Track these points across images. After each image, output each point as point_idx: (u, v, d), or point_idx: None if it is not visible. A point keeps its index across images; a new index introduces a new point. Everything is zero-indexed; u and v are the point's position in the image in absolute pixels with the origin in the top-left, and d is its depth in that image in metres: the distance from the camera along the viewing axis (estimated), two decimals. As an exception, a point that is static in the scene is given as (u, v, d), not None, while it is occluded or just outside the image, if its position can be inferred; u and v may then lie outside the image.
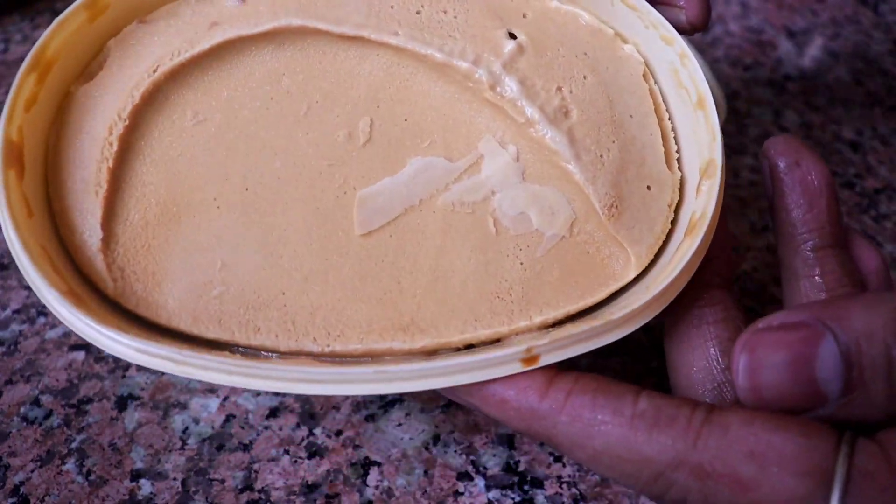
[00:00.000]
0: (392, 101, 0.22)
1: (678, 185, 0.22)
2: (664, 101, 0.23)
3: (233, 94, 0.22)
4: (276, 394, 0.26)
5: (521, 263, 0.21)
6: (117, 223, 0.20)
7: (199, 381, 0.28)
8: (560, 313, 0.21)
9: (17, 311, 0.30)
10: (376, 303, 0.20)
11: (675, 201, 0.22)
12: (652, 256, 0.21)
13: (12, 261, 0.31)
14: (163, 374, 0.28)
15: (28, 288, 0.30)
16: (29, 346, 0.28)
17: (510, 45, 0.22)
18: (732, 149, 0.39)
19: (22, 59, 0.42)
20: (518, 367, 0.19)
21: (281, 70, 0.22)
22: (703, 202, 0.21)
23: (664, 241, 0.22)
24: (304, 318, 0.20)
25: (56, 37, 0.21)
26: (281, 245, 0.21)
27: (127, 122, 0.21)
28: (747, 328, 0.18)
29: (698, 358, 0.21)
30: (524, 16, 0.23)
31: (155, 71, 0.21)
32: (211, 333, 0.20)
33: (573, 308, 0.21)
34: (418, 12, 0.22)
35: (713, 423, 0.18)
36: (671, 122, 0.23)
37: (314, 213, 0.21)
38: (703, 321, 0.21)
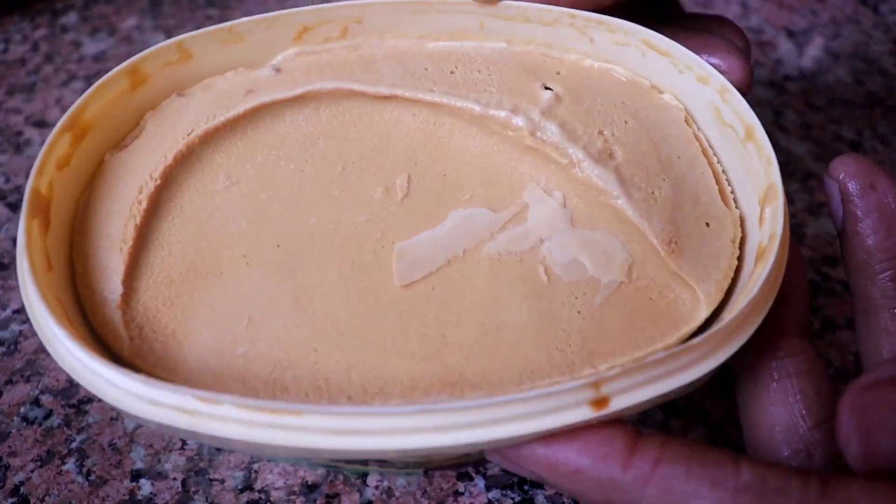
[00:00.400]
0: (430, 158, 0.21)
1: (738, 222, 0.21)
2: (710, 145, 0.22)
3: (266, 157, 0.21)
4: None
5: (579, 312, 0.19)
6: (139, 280, 0.19)
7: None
8: (627, 360, 0.19)
9: (17, 311, 0.30)
10: (420, 358, 0.18)
11: (738, 238, 0.20)
12: (722, 294, 0.19)
13: (12, 261, 0.31)
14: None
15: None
16: (29, 346, 0.28)
17: (547, 95, 0.22)
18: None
19: (21, 60, 0.42)
20: (587, 413, 0.16)
21: (316, 134, 0.22)
22: (768, 228, 0.19)
23: (732, 281, 0.20)
24: (339, 375, 0.18)
25: (95, 100, 0.21)
26: (314, 301, 0.19)
27: (158, 181, 0.20)
28: (851, 385, 0.16)
29: (780, 416, 0.19)
30: (558, 73, 0.22)
31: (189, 134, 0.21)
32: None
33: (642, 354, 0.19)
34: (452, 72, 0.22)
35: (833, 497, 0.15)
36: (721, 166, 0.22)
37: (350, 266, 0.20)
38: (783, 374, 0.19)
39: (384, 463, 0.22)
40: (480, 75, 0.22)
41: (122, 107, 0.22)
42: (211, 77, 0.22)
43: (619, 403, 0.16)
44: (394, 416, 0.16)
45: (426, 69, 0.22)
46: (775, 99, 0.43)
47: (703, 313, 0.19)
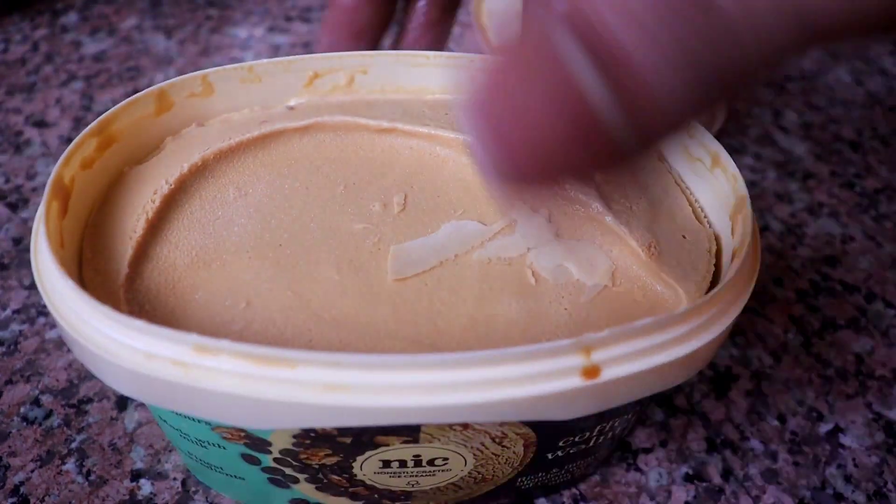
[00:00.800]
0: (425, 182, 0.23)
1: (713, 238, 0.22)
2: (682, 180, 0.24)
3: (274, 176, 0.23)
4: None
5: (566, 309, 0.20)
6: (145, 266, 0.20)
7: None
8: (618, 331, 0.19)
9: (17, 311, 0.30)
10: (411, 342, 0.19)
11: (714, 249, 0.22)
12: (702, 294, 0.20)
13: (12, 261, 0.31)
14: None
15: (28, 288, 0.30)
16: (29, 346, 0.28)
17: None
18: (732, 149, 0.39)
19: (21, 60, 0.42)
20: (578, 381, 0.16)
21: (321, 160, 0.23)
22: (740, 231, 0.20)
23: (711, 287, 0.21)
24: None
25: (124, 115, 0.22)
26: (310, 291, 0.20)
27: (172, 186, 0.22)
28: None
29: None
30: None
31: (206, 150, 0.22)
32: None
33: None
34: (446, 114, 0.24)
35: None
36: (693, 196, 0.23)
37: (347, 264, 0.21)
38: None
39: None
40: None
41: (147, 128, 0.23)
42: (228, 113, 0.24)
43: (610, 373, 0.17)
44: (387, 369, 0.16)
45: (424, 112, 0.24)
46: (775, 99, 0.43)
47: (686, 306, 0.20)
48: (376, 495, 0.22)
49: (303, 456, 0.20)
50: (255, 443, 0.20)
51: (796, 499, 0.25)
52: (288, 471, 0.21)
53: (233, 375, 0.16)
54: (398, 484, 0.21)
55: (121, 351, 0.17)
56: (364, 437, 0.19)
